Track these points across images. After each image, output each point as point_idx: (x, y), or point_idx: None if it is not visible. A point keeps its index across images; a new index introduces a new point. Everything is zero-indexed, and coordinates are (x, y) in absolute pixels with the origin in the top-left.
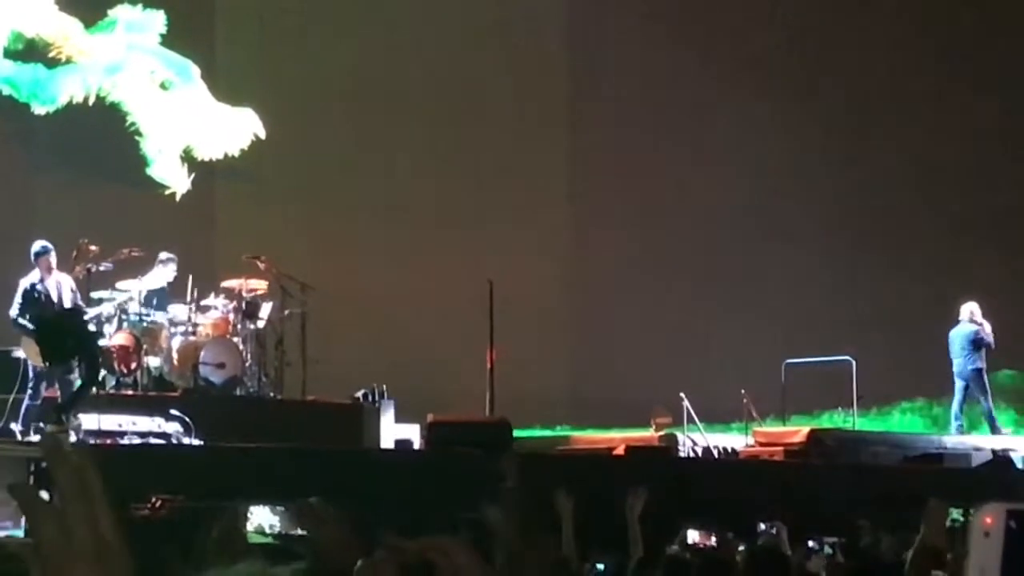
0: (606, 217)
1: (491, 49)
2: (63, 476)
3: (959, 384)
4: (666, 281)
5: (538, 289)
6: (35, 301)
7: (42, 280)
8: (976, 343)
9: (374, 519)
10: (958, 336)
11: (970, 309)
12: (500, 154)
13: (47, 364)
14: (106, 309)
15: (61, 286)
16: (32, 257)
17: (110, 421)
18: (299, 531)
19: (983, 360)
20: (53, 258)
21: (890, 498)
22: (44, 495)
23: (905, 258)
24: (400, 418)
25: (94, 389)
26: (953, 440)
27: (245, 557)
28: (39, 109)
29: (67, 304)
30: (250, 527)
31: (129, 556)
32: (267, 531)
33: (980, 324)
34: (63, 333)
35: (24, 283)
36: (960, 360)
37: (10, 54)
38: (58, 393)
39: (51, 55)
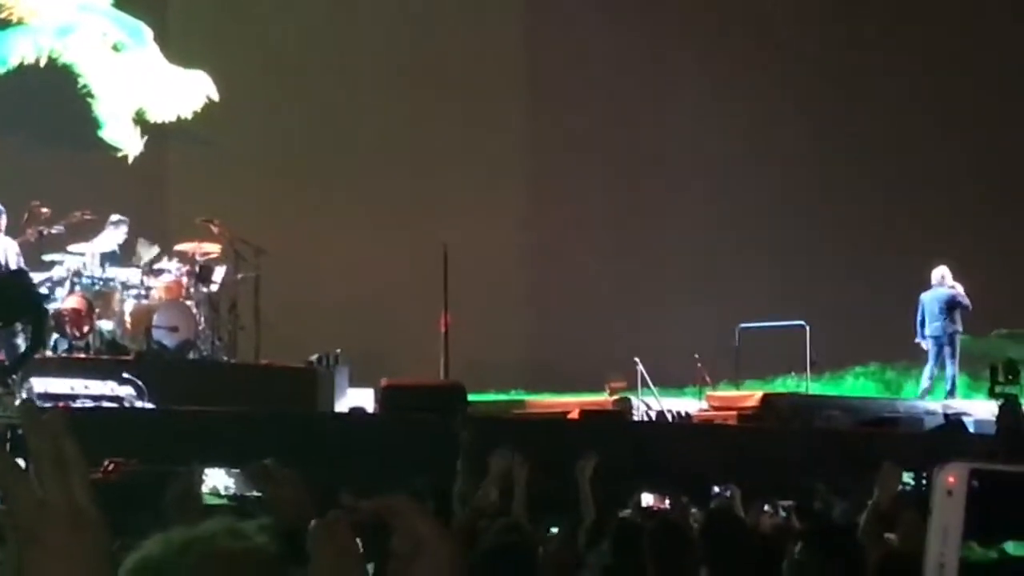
0: (563, 184)
1: (448, 11)
2: (39, 443)
3: (932, 347)
4: (620, 247)
5: (494, 254)
6: None
7: None
8: (953, 305)
9: (329, 482)
10: (934, 299)
11: (942, 272)
12: (457, 118)
13: None
14: (56, 272)
15: (7, 250)
16: None
17: (62, 384)
18: (254, 493)
19: (960, 323)
20: (2, 220)
21: (843, 462)
22: (20, 462)
23: (858, 222)
24: (354, 383)
25: (47, 352)
26: (905, 405)
27: (202, 518)
28: None
29: (12, 267)
30: (205, 489)
31: (105, 523)
32: (222, 493)
33: (954, 287)
34: (6, 295)
35: None
36: (938, 324)
37: None
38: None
39: (1, 16)
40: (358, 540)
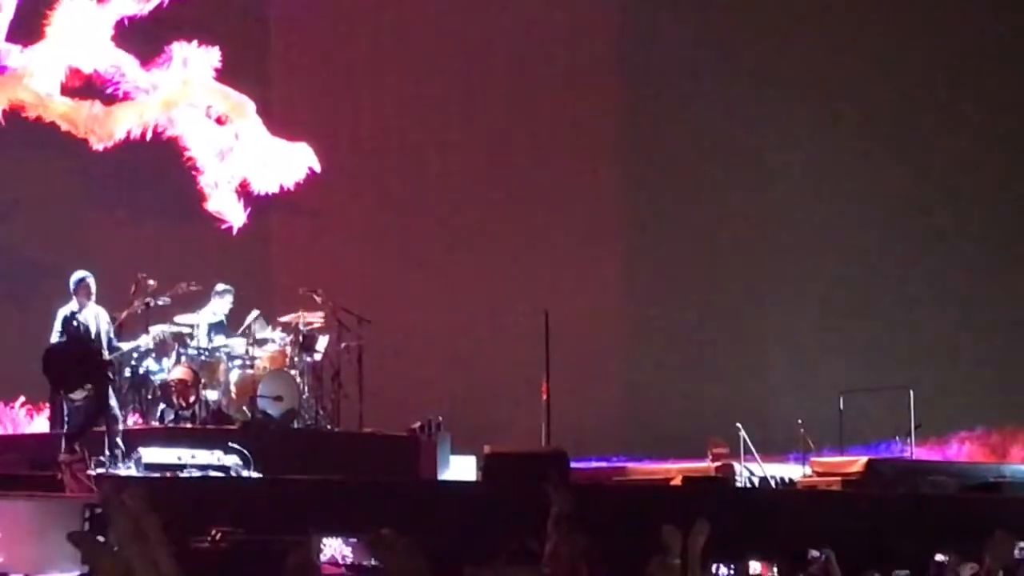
0: (660, 247)
1: (543, 78)
2: (120, 521)
3: None
4: (721, 311)
5: (592, 319)
6: (74, 331)
7: (80, 309)
8: None
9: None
10: None
11: None
12: (554, 186)
13: (57, 393)
14: (143, 342)
15: (98, 317)
16: (71, 287)
17: (169, 454)
18: (372, 562)
19: None
20: (92, 287)
21: (951, 528)
22: (100, 539)
23: (962, 285)
24: (456, 449)
25: (154, 423)
26: (1011, 468)
27: None
28: (96, 145)
29: (103, 337)
30: (323, 558)
31: None
32: (340, 562)
33: None
34: (69, 364)
35: (63, 312)
36: None
37: (68, 91)
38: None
39: (108, 91)
40: None
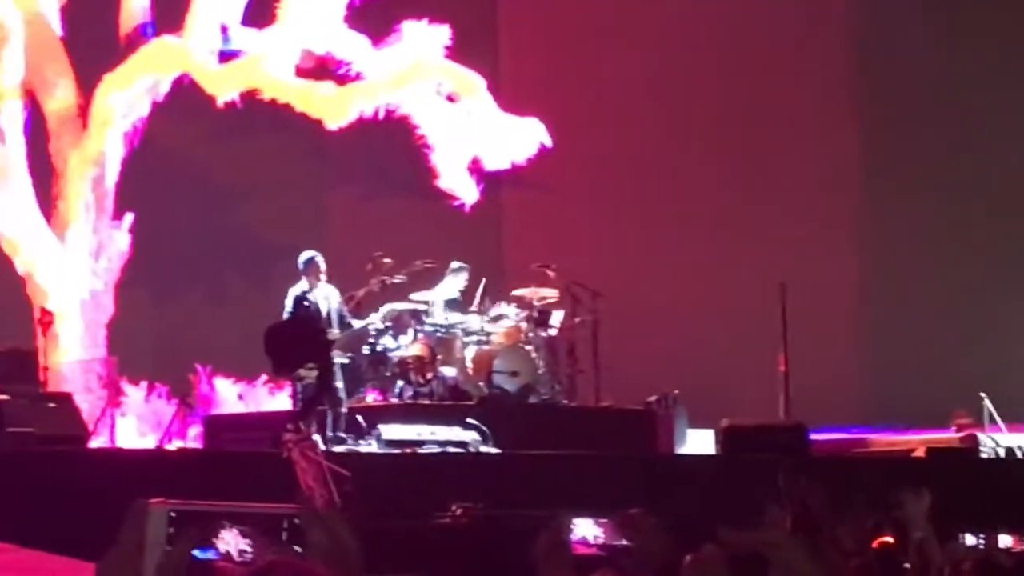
0: (900, 214)
1: (776, 46)
2: (317, 535)
3: None
4: (963, 279)
5: (829, 290)
6: (305, 310)
7: (311, 289)
8: None
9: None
10: None
11: None
12: (788, 155)
13: (276, 373)
14: (374, 320)
15: (329, 297)
16: (300, 266)
17: (409, 431)
18: (623, 541)
19: None
20: (322, 267)
21: None
22: (297, 550)
23: None
24: (692, 423)
25: (393, 399)
26: None
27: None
28: (330, 126)
29: (334, 316)
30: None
31: None
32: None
33: None
34: (290, 344)
35: (293, 292)
36: None
37: (301, 72)
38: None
39: (340, 72)
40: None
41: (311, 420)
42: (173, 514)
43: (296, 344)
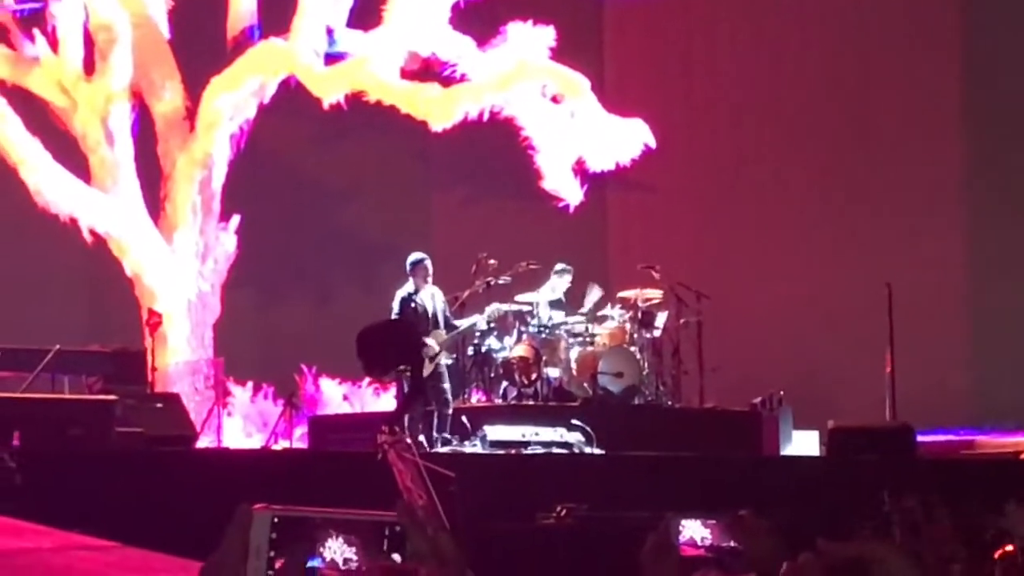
0: (1005, 215)
1: (881, 42)
2: (418, 541)
3: None
4: None
5: (936, 290)
6: (412, 312)
7: (417, 291)
8: None
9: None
10: None
11: None
12: (893, 155)
13: (368, 374)
14: (478, 321)
15: (434, 297)
16: (408, 268)
17: (514, 432)
18: (731, 543)
19: None
20: (429, 269)
21: None
22: (396, 558)
23: None
24: (798, 424)
25: (497, 400)
26: None
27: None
28: (436, 127)
29: (439, 317)
30: (681, 539)
31: None
32: (698, 544)
33: None
34: (382, 346)
35: (400, 294)
36: None
37: (407, 74)
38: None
39: (445, 73)
40: None
41: (405, 421)
42: (276, 519)
43: (388, 346)
